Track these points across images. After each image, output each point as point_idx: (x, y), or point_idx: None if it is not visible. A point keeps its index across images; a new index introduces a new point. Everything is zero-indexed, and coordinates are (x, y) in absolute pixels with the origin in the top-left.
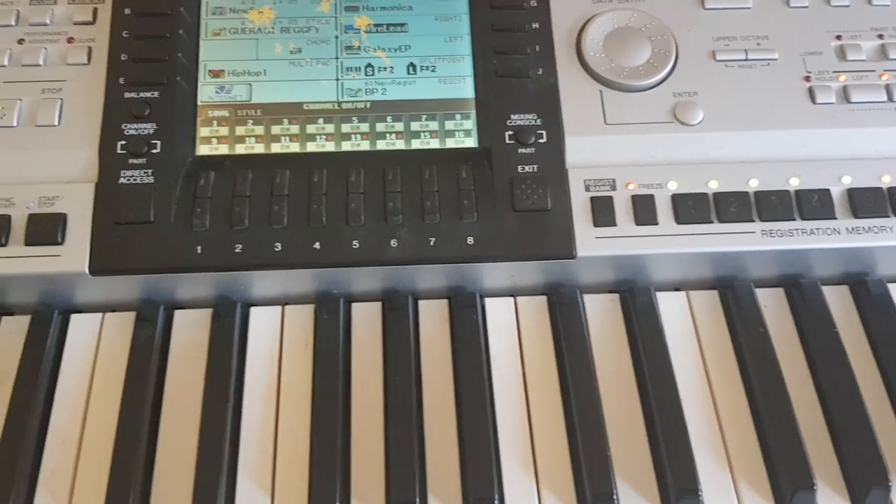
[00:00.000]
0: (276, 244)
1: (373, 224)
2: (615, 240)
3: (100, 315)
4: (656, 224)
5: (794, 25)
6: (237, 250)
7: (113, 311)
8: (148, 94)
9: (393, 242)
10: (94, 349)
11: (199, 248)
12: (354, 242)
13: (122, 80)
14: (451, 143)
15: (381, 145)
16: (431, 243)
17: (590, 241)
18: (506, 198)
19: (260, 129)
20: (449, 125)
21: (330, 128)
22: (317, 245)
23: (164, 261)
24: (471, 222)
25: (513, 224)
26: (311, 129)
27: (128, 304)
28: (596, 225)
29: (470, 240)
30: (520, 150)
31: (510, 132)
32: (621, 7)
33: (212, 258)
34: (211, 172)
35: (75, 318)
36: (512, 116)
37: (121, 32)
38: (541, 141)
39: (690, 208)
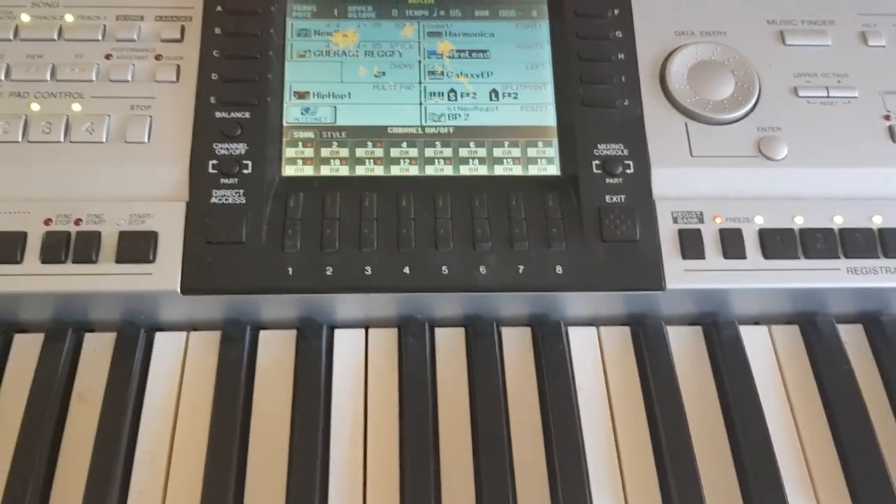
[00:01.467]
0: (367, 267)
1: (461, 250)
2: (704, 273)
3: (184, 334)
4: (744, 258)
5: (872, 64)
6: (328, 273)
7: (195, 329)
8: (239, 115)
9: (482, 269)
10: (179, 368)
11: (290, 269)
12: (444, 268)
13: (212, 100)
14: (533, 171)
15: (465, 170)
16: (520, 271)
17: (679, 274)
18: (594, 227)
19: (344, 152)
20: (531, 152)
21: (413, 152)
22: (406, 270)
23: (255, 281)
24: (559, 251)
25: (601, 254)
26: (394, 152)
27: (211, 322)
28: (685, 257)
29: (559, 269)
30: (607, 180)
31: (597, 162)
32: (703, 41)
33: (303, 280)
34: (300, 194)
35: (160, 337)
36: (599, 146)
37: (211, 52)
38: (628, 171)
39: (778, 244)
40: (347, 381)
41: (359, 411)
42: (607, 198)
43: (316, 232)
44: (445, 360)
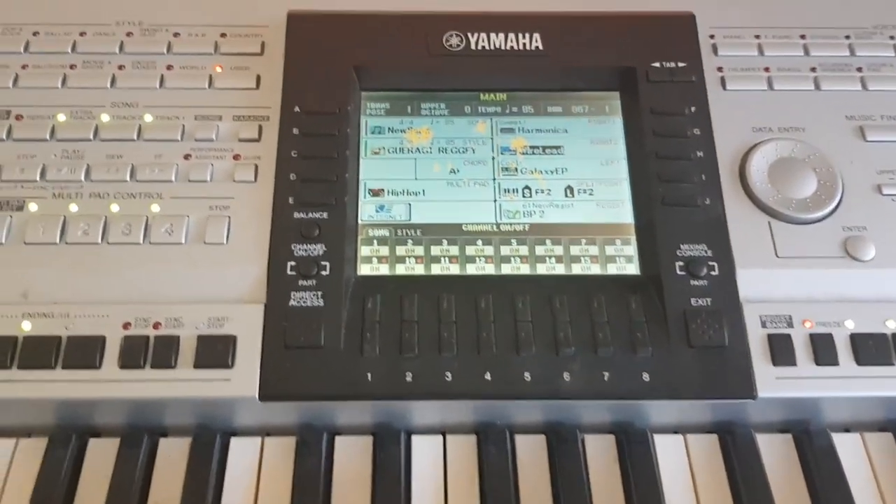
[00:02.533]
0: (447, 373)
1: (543, 355)
2: (796, 381)
3: (259, 439)
4: (837, 365)
5: None
6: (408, 379)
7: (269, 433)
8: (317, 215)
9: (566, 375)
10: (255, 475)
11: (369, 375)
12: (526, 374)
13: (291, 200)
14: (612, 270)
15: (542, 269)
16: (606, 378)
17: (770, 382)
18: (680, 332)
19: (420, 250)
20: (609, 250)
21: (489, 250)
22: (488, 376)
23: (334, 387)
24: (645, 357)
25: (689, 360)
26: (470, 250)
27: (286, 427)
28: (775, 364)
29: (645, 376)
30: (692, 282)
31: (680, 263)
32: (782, 137)
33: (383, 386)
34: (377, 295)
35: (236, 442)
36: (681, 246)
37: (289, 152)
38: (713, 273)
39: (871, 349)
40: (427, 491)
41: None
42: (692, 301)
43: (395, 335)
44: (527, 469)
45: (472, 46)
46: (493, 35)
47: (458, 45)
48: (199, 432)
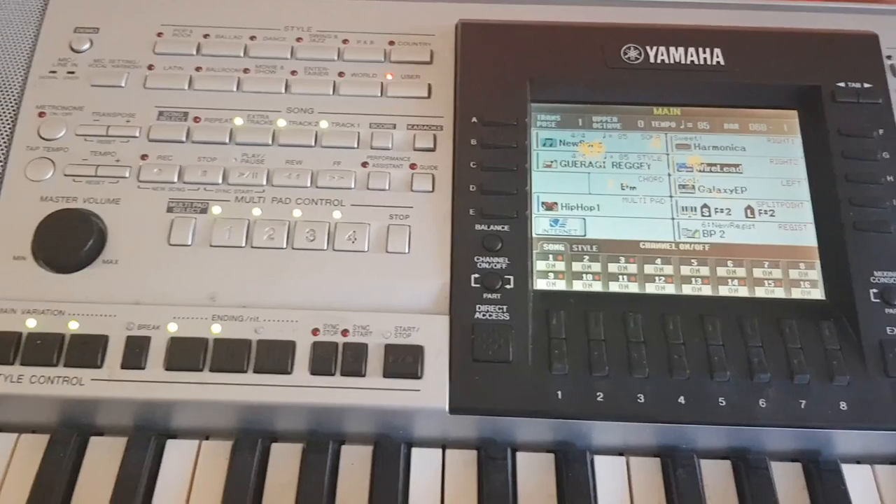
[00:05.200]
0: (640, 395)
1: (738, 380)
2: None
3: (439, 451)
4: None
5: None
6: (599, 399)
7: (445, 446)
8: (499, 228)
9: (761, 402)
10: (439, 487)
11: (559, 393)
12: (721, 399)
13: (471, 212)
14: (796, 294)
15: (724, 291)
16: (802, 406)
17: None
18: (876, 361)
19: (597, 266)
20: (793, 274)
21: (669, 269)
22: (681, 399)
23: (524, 404)
24: (842, 385)
25: (887, 390)
26: (649, 269)
27: (465, 441)
28: None
29: (843, 405)
30: (887, 311)
31: (874, 290)
32: None
33: (573, 405)
34: (560, 311)
35: (417, 453)
36: (875, 273)
37: (467, 163)
38: None
39: None
40: None
41: None
42: (888, 330)
43: (583, 354)
44: (716, 495)
45: (651, 60)
46: (672, 49)
47: (637, 59)
48: (382, 441)
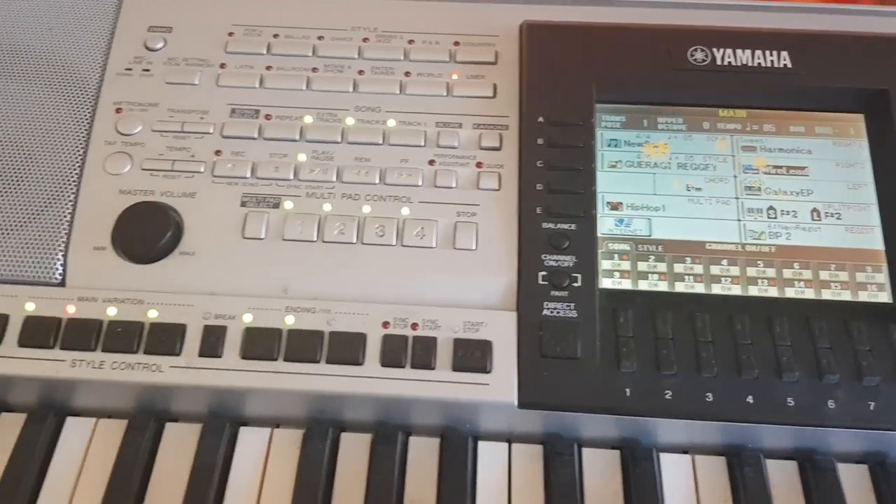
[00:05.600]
0: (707, 394)
1: (807, 381)
2: None
3: (505, 445)
4: None
5: None
6: (667, 396)
7: (510, 440)
8: (565, 226)
9: (830, 403)
10: (505, 480)
11: (627, 390)
12: (789, 400)
13: (538, 210)
14: (863, 297)
15: (790, 293)
16: (871, 407)
17: None
18: None
19: (663, 266)
20: (860, 277)
21: (735, 270)
22: (749, 399)
23: (592, 400)
24: None
25: None
26: (714, 270)
27: (531, 435)
28: None
29: None
30: None
31: None
32: None
33: (641, 403)
34: (628, 310)
35: (483, 447)
36: None
37: (534, 162)
38: None
39: None
40: None
41: None
42: None
43: (651, 352)
44: (781, 495)
45: (718, 62)
46: (739, 51)
47: (703, 60)
48: (448, 433)
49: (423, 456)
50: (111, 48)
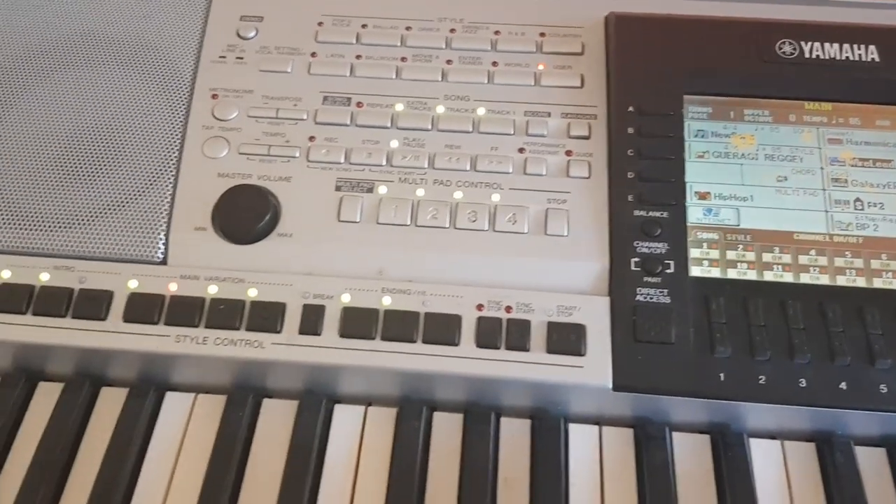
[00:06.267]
0: (801, 380)
1: None
2: None
3: (596, 427)
4: None
5: None
6: (761, 381)
7: (596, 424)
8: (657, 214)
9: None
10: (597, 461)
11: (721, 374)
12: (882, 386)
13: (630, 198)
14: None
15: (878, 283)
16: None
17: None
18: None
19: (751, 255)
20: None
21: (823, 260)
22: (843, 385)
23: (686, 384)
24: None
25: None
26: (803, 259)
27: (616, 419)
28: None
29: None
30: None
31: None
32: None
33: (735, 387)
34: (720, 297)
35: (575, 429)
36: None
37: (625, 151)
38: None
39: None
40: (771, 494)
41: None
42: None
43: (744, 338)
44: (871, 482)
45: (806, 55)
46: (826, 45)
47: (791, 53)
48: (540, 415)
49: (514, 436)
50: (204, 36)
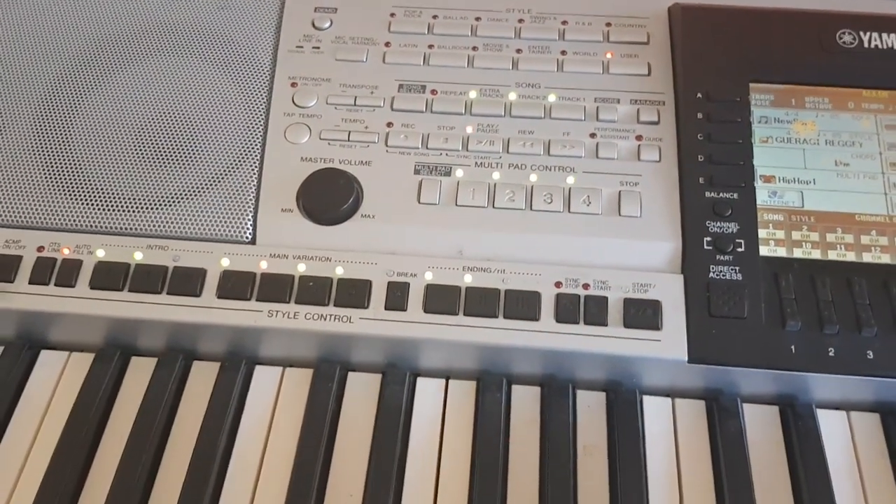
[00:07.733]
0: (868, 352)
1: None
2: None
3: (668, 400)
4: None
5: None
6: (830, 354)
7: (668, 395)
8: (727, 195)
9: None
10: (671, 432)
11: (793, 347)
12: None
13: (700, 180)
14: None
15: None
16: None
17: None
18: None
19: (815, 236)
20: None
21: (884, 240)
22: None
23: (759, 357)
24: None
25: None
26: (864, 239)
27: (688, 391)
28: None
29: None
30: None
31: None
32: None
33: (806, 359)
34: (788, 275)
35: (649, 401)
36: None
37: (694, 135)
38: None
39: None
40: (843, 465)
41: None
42: None
43: (813, 312)
44: None
45: (865, 45)
46: (885, 35)
47: (851, 43)
48: (614, 388)
49: (590, 408)
50: (280, 27)
